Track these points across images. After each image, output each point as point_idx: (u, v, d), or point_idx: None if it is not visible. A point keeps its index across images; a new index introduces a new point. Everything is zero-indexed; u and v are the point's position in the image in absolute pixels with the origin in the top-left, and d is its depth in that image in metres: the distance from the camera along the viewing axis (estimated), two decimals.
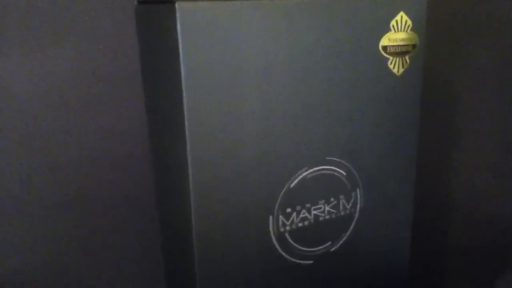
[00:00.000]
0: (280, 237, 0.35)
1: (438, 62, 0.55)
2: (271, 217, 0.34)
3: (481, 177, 0.58)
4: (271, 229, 0.34)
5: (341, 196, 0.37)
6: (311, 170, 0.35)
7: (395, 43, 0.36)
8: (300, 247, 0.36)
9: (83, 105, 0.46)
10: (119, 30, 0.45)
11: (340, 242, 0.38)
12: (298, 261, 0.36)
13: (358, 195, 0.37)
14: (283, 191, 0.34)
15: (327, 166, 0.35)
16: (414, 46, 0.37)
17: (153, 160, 0.39)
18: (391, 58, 0.36)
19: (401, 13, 0.36)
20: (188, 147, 0.30)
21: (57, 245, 0.50)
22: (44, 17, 0.43)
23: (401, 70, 0.37)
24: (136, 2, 0.35)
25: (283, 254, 0.35)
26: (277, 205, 0.34)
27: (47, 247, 0.50)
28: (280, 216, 0.34)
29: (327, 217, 0.36)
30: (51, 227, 0.49)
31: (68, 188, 0.49)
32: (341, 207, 0.37)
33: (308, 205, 0.35)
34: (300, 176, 0.34)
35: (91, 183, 0.49)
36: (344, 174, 0.36)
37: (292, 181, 0.34)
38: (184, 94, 0.29)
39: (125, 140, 0.50)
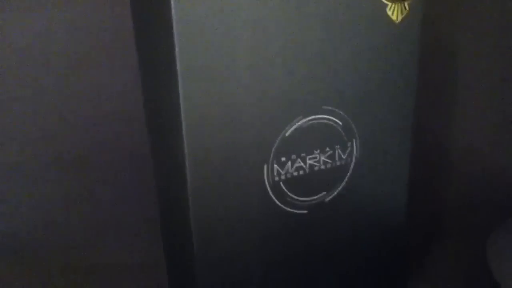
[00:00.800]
0: (275, 186, 0.34)
1: (436, 16, 0.54)
2: (265, 165, 0.34)
3: (478, 132, 0.58)
4: (265, 177, 0.34)
5: (337, 146, 0.36)
6: (306, 119, 0.34)
7: None
8: (295, 197, 0.36)
9: (77, 65, 0.46)
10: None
11: (335, 193, 0.37)
12: (292, 210, 0.36)
13: (354, 146, 0.37)
14: (278, 139, 0.34)
15: (323, 115, 0.35)
16: None
17: (147, 117, 0.39)
18: (389, 4, 0.35)
19: None
20: (181, 97, 0.30)
21: (54, 205, 0.50)
22: None
23: (400, 17, 0.36)
24: None
25: (278, 203, 0.35)
26: (271, 153, 0.34)
27: (44, 208, 0.50)
28: (275, 165, 0.34)
29: (322, 167, 0.36)
30: (48, 188, 0.49)
31: (65, 148, 0.48)
32: (336, 157, 0.36)
33: (303, 155, 0.35)
34: (296, 125, 0.34)
35: (88, 143, 0.49)
36: (340, 124, 0.36)
37: (287, 130, 0.34)
38: (175, 42, 0.29)
39: (119, 99, 0.49)
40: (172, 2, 0.28)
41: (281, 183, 0.35)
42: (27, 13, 0.43)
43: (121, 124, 0.50)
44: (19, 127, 0.47)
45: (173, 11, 0.28)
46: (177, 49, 0.29)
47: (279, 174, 0.34)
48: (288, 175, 0.35)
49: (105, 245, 0.52)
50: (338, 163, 0.37)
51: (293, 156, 0.35)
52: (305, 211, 0.36)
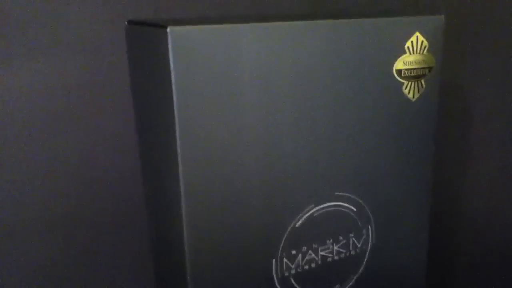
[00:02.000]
0: (284, 282, 0.31)
1: (451, 76, 0.52)
2: (274, 260, 0.31)
3: (494, 196, 0.55)
4: (274, 273, 0.31)
5: (351, 234, 0.33)
6: (318, 207, 0.31)
7: (410, 66, 0.33)
8: None
9: (71, 118, 0.44)
10: (111, 45, 0.42)
11: (350, 284, 0.34)
12: None
13: (370, 232, 0.34)
14: (287, 231, 0.31)
15: (336, 202, 0.32)
16: (430, 68, 0.34)
17: (147, 198, 0.36)
18: (406, 82, 0.33)
19: (417, 33, 0.33)
20: (182, 186, 0.27)
21: (46, 263, 0.47)
22: (34, 28, 0.40)
23: (417, 95, 0.34)
24: (126, 22, 0.32)
25: None
26: (281, 247, 0.31)
27: (36, 269, 0.47)
28: (284, 259, 0.31)
29: (336, 257, 0.33)
30: (39, 247, 0.47)
31: (55, 206, 0.46)
32: (351, 246, 0.34)
33: (315, 246, 0.32)
34: (307, 214, 0.31)
35: (80, 197, 0.47)
36: (354, 210, 0.33)
37: (298, 220, 0.31)
38: (176, 122, 0.26)
39: (115, 156, 0.47)
40: (172, 78, 0.25)
41: (291, 278, 0.32)
42: (15, 64, 0.41)
43: (117, 178, 0.48)
44: (6, 187, 0.44)
45: (174, 94, 0.26)
46: (177, 127, 0.26)
47: (288, 268, 0.31)
48: (299, 269, 0.32)
49: None
50: (352, 252, 0.34)
51: (304, 248, 0.32)
52: None
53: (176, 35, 0.25)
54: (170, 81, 0.25)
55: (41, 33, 0.40)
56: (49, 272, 0.47)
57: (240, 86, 0.27)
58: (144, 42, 0.29)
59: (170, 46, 0.25)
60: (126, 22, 0.32)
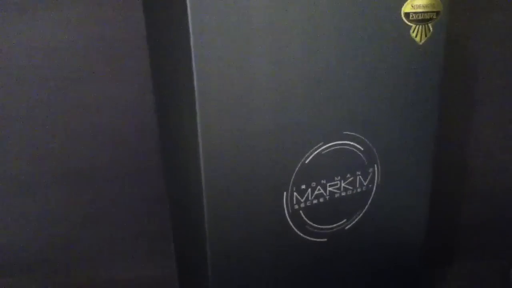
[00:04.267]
0: (294, 215, 0.33)
1: (457, 28, 0.52)
2: (285, 193, 0.33)
3: (500, 147, 0.57)
4: (285, 206, 0.33)
5: (358, 172, 0.35)
6: (327, 145, 0.33)
7: (418, 10, 0.34)
8: (315, 225, 0.34)
9: (87, 73, 0.45)
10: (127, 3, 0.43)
11: (356, 220, 0.36)
12: (312, 238, 0.35)
13: (376, 171, 0.36)
14: (297, 167, 0.32)
15: (344, 141, 0.34)
16: (437, 13, 0.35)
17: (161, 138, 0.38)
18: (413, 26, 0.34)
19: None
20: (198, 124, 0.29)
21: (62, 220, 0.49)
22: None
23: (424, 38, 0.35)
24: None
25: (297, 231, 0.34)
26: (291, 181, 0.32)
27: (52, 222, 0.49)
28: (295, 193, 0.33)
29: (343, 193, 0.35)
30: (57, 201, 0.49)
31: (74, 160, 0.48)
32: (357, 184, 0.35)
33: (323, 182, 0.34)
34: (316, 152, 0.33)
35: (97, 155, 0.48)
36: (362, 149, 0.35)
37: (307, 157, 0.33)
38: (193, 67, 0.28)
39: (131, 111, 0.48)
40: (191, 34, 0.27)
41: (300, 211, 0.34)
42: (31, 18, 0.42)
43: (133, 138, 0.49)
44: (24, 141, 0.46)
45: (191, 38, 0.27)
46: (195, 75, 0.28)
47: (298, 202, 0.33)
48: (308, 203, 0.34)
49: (116, 261, 0.51)
50: (359, 190, 0.35)
51: (313, 184, 0.33)
52: (325, 239, 0.35)
53: None
54: (188, 35, 0.27)
55: None
56: (64, 224, 0.49)
57: (253, 33, 0.28)
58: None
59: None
60: None
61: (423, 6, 0.34)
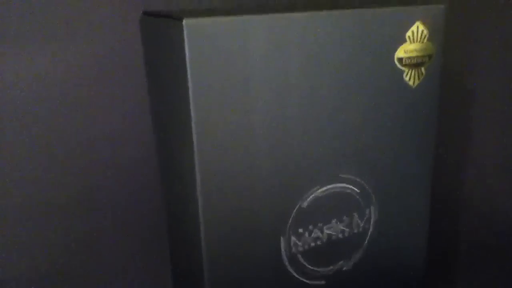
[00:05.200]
0: (292, 258, 0.34)
1: (452, 66, 0.53)
2: (282, 238, 0.33)
3: (499, 180, 0.57)
4: (282, 250, 0.33)
5: (355, 214, 0.35)
6: (324, 188, 0.33)
7: (411, 55, 0.34)
8: (312, 268, 0.35)
9: (86, 106, 0.45)
10: (125, 34, 0.44)
11: (353, 261, 0.36)
12: (310, 281, 0.35)
13: (372, 212, 0.36)
14: (294, 211, 0.33)
15: (340, 183, 0.34)
16: (430, 56, 0.35)
17: (161, 177, 0.38)
18: (406, 70, 0.35)
19: (417, 23, 0.34)
20: (196, 165, 0.29)
21: (60, 248, 0.49)
22: (47, 14, 0.41)
23: (417, 82, 0.35)
24: (141, 13, 0.33)
25: (295, 275, 0.34)
26: (288, 225, 0.33)
27: (50, 250, 0.49)
28: (292, 237, 0.33)
29: (340, 235, 0.35)
30: (55, 230, 0.48)
31: (72, 190, 0.48)
32: (354, 225, 0.36)
33: (320, 224, 0.34)
34: (313, 195, 0.33)
35: (95, 185, 0.48)
36: (358, 191, 0.35)
37: (304, 200, 0.33)
38: (192, 111, 0.28)
39: (129, 143, 0.48)
40: (188, 69, 0.27)
41: (298, 254, 0.34)
42: (30, 50, 0.43)
43: (132, 168, 0.49)
44: (25, 169, 0.46)
45: (189, 83, 0.27)
46: (193, 115, 0.28)
47: (296, 246, 0.33)
48: (306, 246, 0.34)
49: None
50: (355, 231, 0.36)
51: (311, 227, 0.34)
52: (323, 282, 0.35)
53: (191, 27, 0.26)
54: (186, 71, 0.27)
55: (58, 21, 0.41)
56: (62, 255, 0.49)
57: (250, 74, 0.29)
58: (160, 33, 0.30)
59: (185, 37, 0.26)
60: (141, 13, 0.33)
61: (415, 50, 0.35)
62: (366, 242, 0.36)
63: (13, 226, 0.47)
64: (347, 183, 0.34)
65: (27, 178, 0.46)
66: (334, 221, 0.35)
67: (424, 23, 0.34)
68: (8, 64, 0.42)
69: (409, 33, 0.34)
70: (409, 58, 0.34)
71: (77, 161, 0.47)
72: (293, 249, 0.33)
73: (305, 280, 0.34)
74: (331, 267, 0.35)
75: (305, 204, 0.33)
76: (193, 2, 0.45)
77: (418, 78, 0.35)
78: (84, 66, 0.44)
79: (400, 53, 0.34)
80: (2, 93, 0.43)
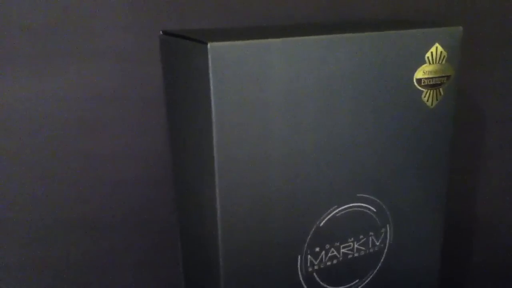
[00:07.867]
0: (308, 277, 0.34)
1: (468, 87, 0.53)
2: (299, 256, 0.33)
3: (509, 199, 0.57)
4: (299, 269, 0.33)
5: (371, 233, 0.35)
6: (341, 208, 0.34)
7: (429, 76, 0.35)
8: (328, 286, 0.35)
9: (104, 126, 0.45)
10: (144, 55, 0.44)
11: (368, 279, 0.36)
12: None
13: (388, 231, 0.36)
14: (312, 230, 0.33)
15: (357, 203, 0.34)
16: (448, 77, 0.36)
17: (177, 198, 0.38)
18: (425, 90, 0.35)
19: (436, 44, 0.34)
20: (216, 186, 0.29)
21: (66, 267, 0.49)
22: (67, 35, 0.42)
23: (435, 102, 0.36)
24: (161, 32, 0.34)
25: None
26: (306, 244, 0.33)
27: (55, 269, 0.49)
28: (309, 256, 0.33)
29: (356, 254, 0.35)
30: (61, 249, 0.49)
31: (83, 211, 0.48)
32: (370, 244, 0.36)
33: (337, 244, 0.34)
34: (330, 215, 0.33)
35: (113, 203, 0.48)
36: (375, 210, 0.35)
37: (322, 220, 0.33)
38: (214, 133, 0.28)
39: (147, 165, 0.48)
40: (211, 92, 0.28)
41: (314, 273, 0.34)
42: (49, 71, 0.43)
43: (147, 190, 0.50)
44: (33, 190, 0.46)
45: (212, 105, 0.28)
46: (214, 137, 0.29)
47: (312, 264, 0.34)
48: (322, 265, 0.34)
49: None
50: (371, 250, 0.36)
51: (327, 246, 0.34)
52: None
53: (215, 51, 0.27)
54: (209, 93, 0.27)
55: (76, 42, 0.42)
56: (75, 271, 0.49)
57: (270, 97, 0.29)
58: (180, 53, 0.31)
59: (210, 61, 0.27)
60: (161, 32, 0.34)
61: (434, 71, 0.35)
62: (381, 261, 0.37)
63: (27, 244, 0.47)
64: (364, 203, 0.34)
65: (41, 197, 0.46)
66: (350, 240, 0.35)
67: (442, 45, 0.34)
68: (26, 84, 0.43)
69: (428, 54, 0.34)
70: (428, 78, 0.35)
71: (95, 181, 0.47)
72: (309, 268, 0.33)
73: None
74: (346, 285, 0.36)
75: (322, 223, 0.33)
76: (206, 21, 0.44)
77: (437, 99, 0.35)
78: (102, 87, 0.44)
79: (419, 74, 0.34)
80: (21, 114, 0.43)
